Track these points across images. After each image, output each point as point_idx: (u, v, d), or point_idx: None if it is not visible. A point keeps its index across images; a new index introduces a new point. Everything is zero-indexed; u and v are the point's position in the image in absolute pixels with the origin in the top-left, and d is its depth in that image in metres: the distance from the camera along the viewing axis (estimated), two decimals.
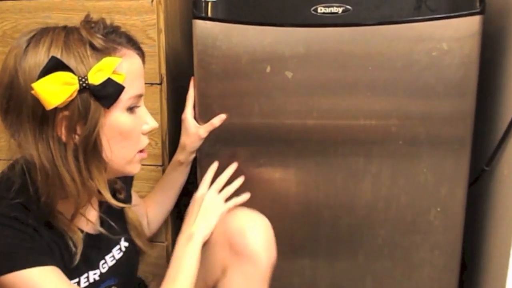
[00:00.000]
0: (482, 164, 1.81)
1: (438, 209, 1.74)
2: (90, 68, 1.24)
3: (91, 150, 1.29)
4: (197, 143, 1.75)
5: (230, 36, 1.68)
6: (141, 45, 1.62)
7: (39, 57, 1.24)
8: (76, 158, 1.28)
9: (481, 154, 1.86)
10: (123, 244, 1.55)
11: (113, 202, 1.39)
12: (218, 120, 1.71)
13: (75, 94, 1.23)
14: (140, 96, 1.36)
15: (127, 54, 1.32)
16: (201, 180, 1.76)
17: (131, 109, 1.34)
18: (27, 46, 1.26)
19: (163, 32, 1.76)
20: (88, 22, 1.32)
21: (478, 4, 1.59)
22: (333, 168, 1.75)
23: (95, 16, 1.69)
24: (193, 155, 1.78)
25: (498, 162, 1.76)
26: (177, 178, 1.80)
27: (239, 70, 1.70)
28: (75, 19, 1.67)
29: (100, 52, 1.27)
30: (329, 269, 1.85)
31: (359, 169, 1.74)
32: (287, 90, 1.70)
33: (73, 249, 1.35)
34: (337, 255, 1.83)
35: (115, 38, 1.32)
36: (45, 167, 1.26)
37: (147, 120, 1.40)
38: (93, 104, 1.26)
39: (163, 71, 1.80)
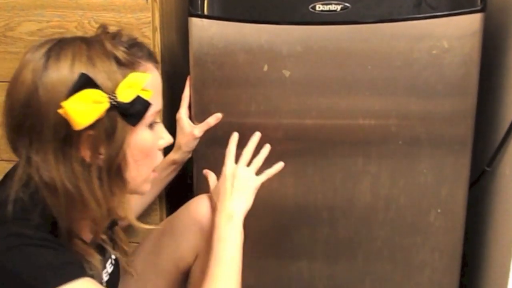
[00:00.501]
0: (483, 165, 1.80)
1: (439, 210, 1.74)
2: (117, 85, 1.20)
3: (115, 170, 1.25)
4: (192, 143, 1.74)
5: (226, 34, 1.67)
6: None
7: (63, 72, 1.18)
8: (100, 180, 1.24)
9: (482, 154, 1.85)
10: (113, 257, 1.53)
11: (136, 223, 1.38)
12: (213, 119, 1.71)
13: (104, 113, 1.19)
14: (159, 111, 1.34)
15: (149, 68, 1.29)
16: (198, 180, 1.76)
17: (151, 125, 1.31)
18: (47, 60, 1.20)
19: (158, 31, 1.75)
20: (108, 33, 1.28)
21: (479, 2, 1.58)
22: (332, 169, 1.75)
23: (89, 14, 1.69)
24: (188, 156, 1.77)
25: (500, 162, 1.75)
26: (166, 176, 1.79)
27: (236, 69, 1.69)
28: (68, 17, 1.71)
29: (125, 67, 1.23)
30: (328, 272, 1.84)
31: (358, 169, 1.74)
32: (285, 89, 1.69)
33: (89, 272, 1.29)
34: (335, 257, 1.83)
35: (137, 51, 1.28)
36: (68, 190, 1.21)
37: (163, 135, 1.37)
38: (120, 123, 1.22)
39: (159, 70, 1.75)
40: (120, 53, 1.23)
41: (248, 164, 1.64)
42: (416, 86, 1.65)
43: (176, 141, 1.75)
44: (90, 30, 1.71)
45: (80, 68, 1.18)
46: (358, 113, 1.69)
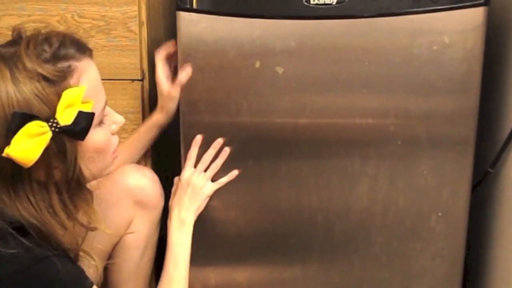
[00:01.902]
0: (486, 166, 1.79)
1: (440, 214, 1.72)
2: (54, 108, 1.18)
3: (75, 183, 1.26)
4: (171, 104, 1.71)
5: (216, 29, 1.65)
6: (121, 39, 1.59)
7: None
8: (60, 195, 1.25)
9: (485, 155, 1.84)
10: None
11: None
12: (184, 76, 1.67)
13: (49, 141, 1.18)
14: (105, 102, 1.32)
15: (82, 67, 1.25)
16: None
17: (100, 122, 1.31)
18: None
19: (145, 25, 1.74)
20: (27, 45, 1.21)
21: None
22: (327, 170, 1.73)
23: (72, 8, 1.67)
24: (171, 117, 1.75)
25: (503, 163, 1.74)
26: (149, 140, 1.79)
27: (227, 66, 1.67)
28: (50, 11, 1.71)
29: (57, 84, 1.20)
30: (323, 278, 1.82)
31: (355, 171, 1.72)
32: (278, 86, 1.67)
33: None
34: (331, 263, 1.81)
35: (65, 53, 1.23)
36: (35, 226, 1.21)
37: (114, 119, 1.37)
38: (68, 142, 1.21)
39: (145, 66, 1.77)
40: (46, 69, 1.19)
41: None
42: (416, 83, 1.64)
43: (158, 102, 1.74)
44: (74, 24, 1.71)
45: (10, 101, 1.15)
46: (355, 112, 1.68)
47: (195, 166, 1.73)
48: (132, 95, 1.77)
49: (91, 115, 1.23)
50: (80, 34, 1.67)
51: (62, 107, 1.18)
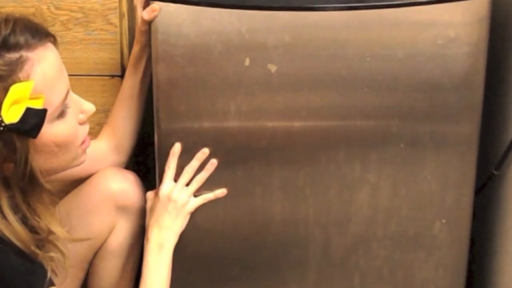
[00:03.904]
0: (490, 168, 1.79)
1: (443, 221, 1.72)
2: (1, 104, 1.15)
3: (28, 184, 1.23)
4: (142, 37, 1.66)
5: (200, 22, 1.58)
6: (101, 32, 1.59)
7: None
8: (14, 202, 1.23)
9: (489, 156, 1.85)
10: None
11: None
12: (147, 13, 1.57)
13: None
14: (67, 93, 1.27)
15: (35, 57, 1.21)
16: None
17: (61, 114, 1.27)
18: None
19: (125, 17, 1.74)
20: None
21: None
22: (325, 178, 1.69)
23: None
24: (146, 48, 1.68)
25: (509, 165, 1.75)
26: (138, 80, 1.72)
27: (211, 63, 1.60)
28: (25, 2, 1.71)
29: (4, 78, 1.16)
30: None
31: (355, 178, 1.69)
32: (270, 86, 1.62)
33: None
34: (329, 280, 1.78)
35: (15, 43, 1.19)
36: None
37: (83, 108, 1.35)
38: (18, 141, 1.18)
39: (126, 61, 1.76)
40: None
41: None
42: (420, 80, 1.61)
43: None
44: (50, 16, 1.70)
45: None
46: (355, 112, 1.64)
47: (175, 179, 1.66)
48: (112, 92, 1.76)
49: (42, 112, 1.20)
50: (57, 27, 1.71)
51: (8, 104, 1.15)
